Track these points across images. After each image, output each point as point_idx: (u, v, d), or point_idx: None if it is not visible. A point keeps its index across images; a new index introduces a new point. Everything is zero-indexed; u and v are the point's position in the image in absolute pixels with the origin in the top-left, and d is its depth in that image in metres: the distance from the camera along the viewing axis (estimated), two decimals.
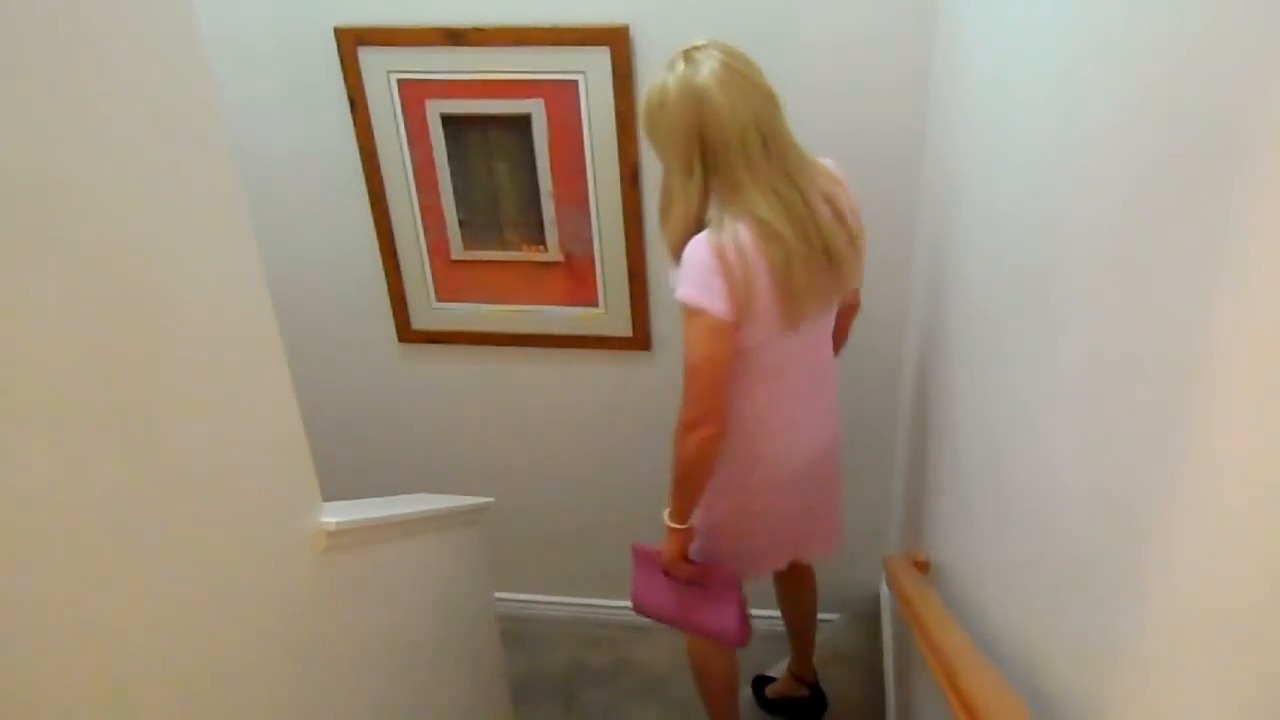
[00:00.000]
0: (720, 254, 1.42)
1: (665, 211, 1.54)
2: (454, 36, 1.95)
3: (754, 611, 2.55)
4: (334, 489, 1.31)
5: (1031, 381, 0.99)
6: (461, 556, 2.00)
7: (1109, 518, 0.75)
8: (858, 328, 2.19)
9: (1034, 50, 1.04)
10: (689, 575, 1.76)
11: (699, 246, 1.44)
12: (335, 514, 1.26)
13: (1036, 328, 0.98)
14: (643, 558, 1.86)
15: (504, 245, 2.24)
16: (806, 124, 1.94)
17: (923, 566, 1.66)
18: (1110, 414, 0.75)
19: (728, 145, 1.41)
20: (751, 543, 1.80)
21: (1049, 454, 0.92)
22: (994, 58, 1.27)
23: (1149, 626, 0.66)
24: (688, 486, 1.60)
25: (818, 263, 1.50)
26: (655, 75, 1.48)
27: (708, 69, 1.40)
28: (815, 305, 1.55)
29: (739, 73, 1.42)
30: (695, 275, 1.44)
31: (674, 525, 1.67)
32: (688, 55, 1.43)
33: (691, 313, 1.46)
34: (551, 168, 2.10)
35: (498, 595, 2.34)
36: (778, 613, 2.35)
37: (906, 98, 1.89)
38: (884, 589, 2.45)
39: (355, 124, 2.10)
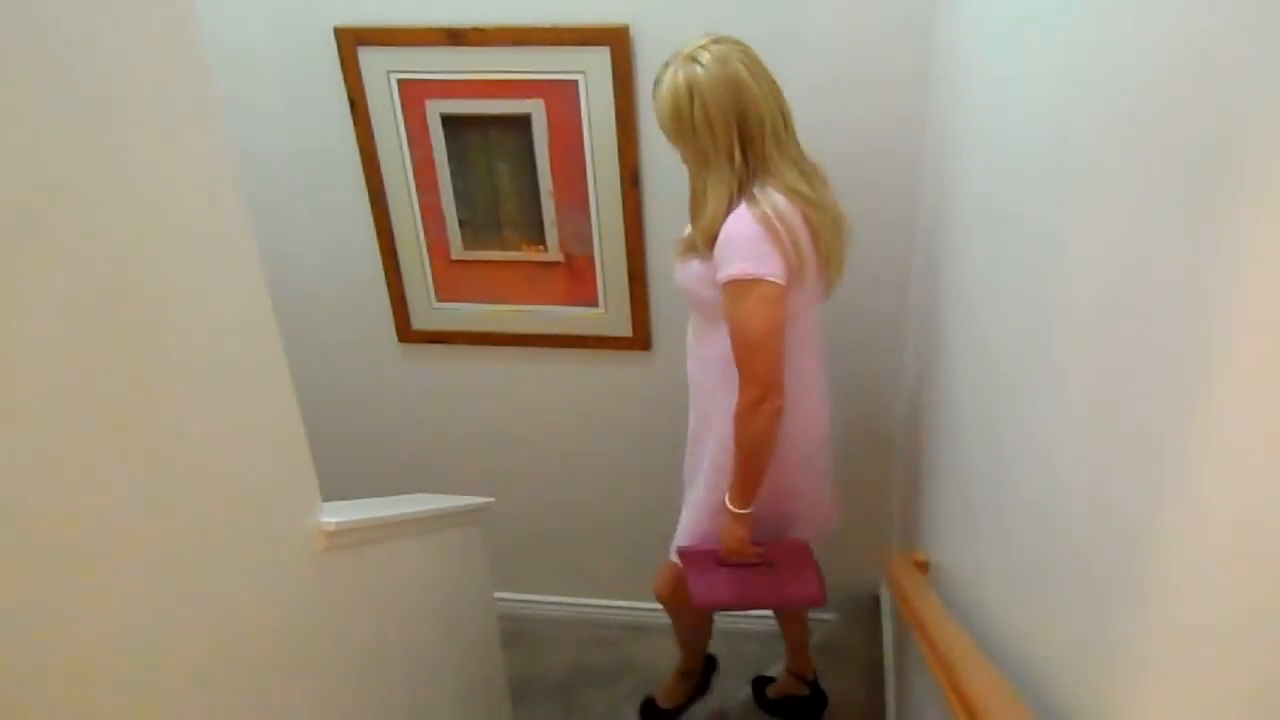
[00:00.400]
0: (766, 221, 1.48)
1: (699, 202, 1.57)
2: (454, 36, 1.95)
3: (747, 614, 2.57)
4: (334, 489, 1.30)
5: (1031, 382, 0.99)
6: (461, 556, 2.00)
7: (1109, 518, 0.74)
8: (858, 326, 2.19)
9: (1033, 43, 1.04)
10: (756, 556, 1.75)
11: (742, 221, 1.49)
12: (335, 514, 1.26)
13: (1037, 328, 0.98)
14: (693, 559, 1.84)
15: (504, 245, 2.24)
16: (807, 119, 1.94)
17: (923, 567, 1.66)
18: (1110, 415, 0.75)
19: (763, 127, 1.50)
20: (790, 517, 1.82)
21: (1049, 455, 0.92)
22: (994, 52, 1.27)
23: (1150, 627, 0.66)
24: (756, 466, 1.62)
25: (835, 229, 1.61)
26: (670, 74, 1.50)
27: (735, 59, 1.48)
28: (839, 271, 1.66)
29: (756, 60, 1.51)
30: (745, 248, 1.49)
31: (740, 510, 1.67)
32: (708, 49, 1.49)
33: (745, 286, 1.49)
34: (551, 168, 2.10)
35: (498, 595, 2.34)
36: (770, 612, 2.35)
37: (906, 93, 1.89)
38: (884, 589, 2.45)
39: (355, 124, 2.10)
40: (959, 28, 1.57)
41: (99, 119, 0.80)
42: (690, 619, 2.14)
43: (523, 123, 2.05)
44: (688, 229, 1.66)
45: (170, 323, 0.91)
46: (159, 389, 0.89)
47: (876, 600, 2.55)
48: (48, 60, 0.74)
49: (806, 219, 1.54)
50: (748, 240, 1.48)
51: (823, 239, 1.57)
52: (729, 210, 1.51)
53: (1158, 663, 0.66)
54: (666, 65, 1.52)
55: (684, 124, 1.51)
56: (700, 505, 1.82)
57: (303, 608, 1.21)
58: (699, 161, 1.54)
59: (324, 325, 2.43)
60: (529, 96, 2.01)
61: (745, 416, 1.56)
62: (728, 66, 1.47)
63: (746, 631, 2.65)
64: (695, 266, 1.59)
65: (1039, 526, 0.95)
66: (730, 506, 1.68)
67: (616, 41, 1.91)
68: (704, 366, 1.73)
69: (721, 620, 2.69)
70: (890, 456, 2.38)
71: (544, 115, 2.03)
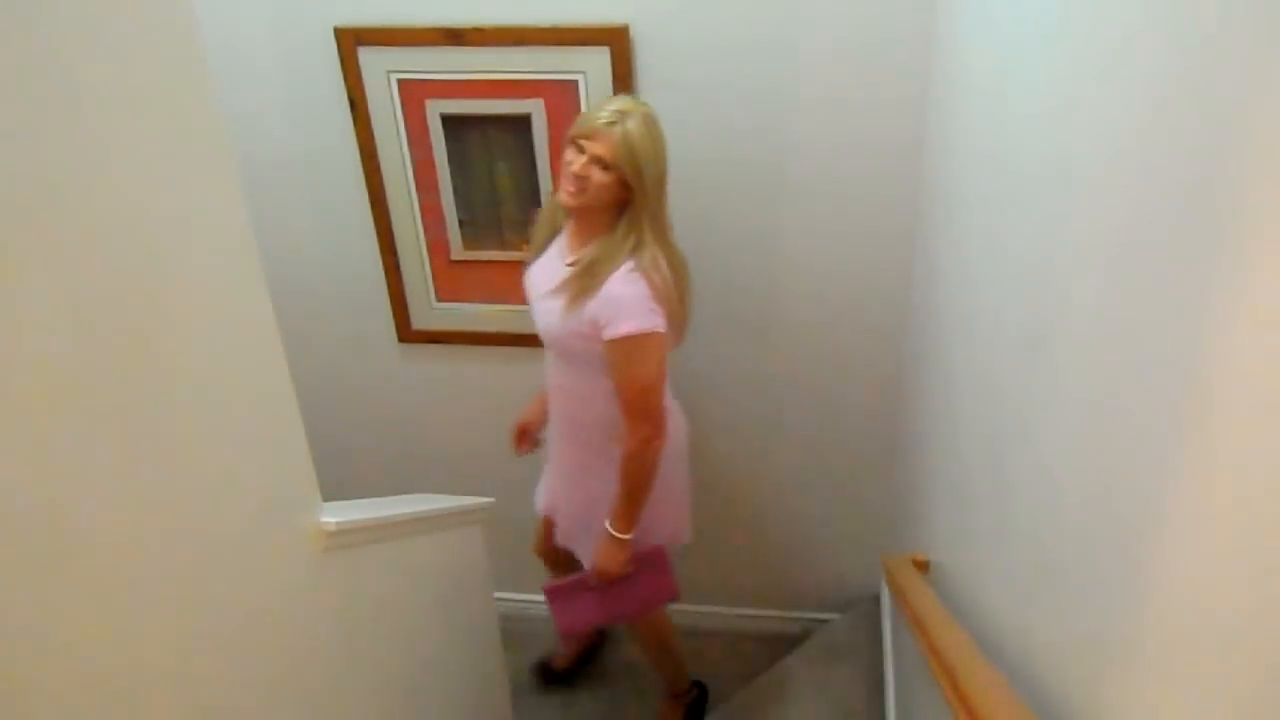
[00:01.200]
0: (650, 281, 1.60)
1: (601, 251, 1.63)
2: (454, 36, 1.95)
3: (743, 613, 2.56)
4: (334, 489, 1.31)
5: (1029, 383, 0.99)
6: (461, 556, 2.00)
7: (1107, 519, 0.75)
8: (859, 329, 2.19)
9: (1031, 63, 1.04)
10: (625, 570, 1.86)
11: (633, 284, 1.60)
12: (335, 514, 1.26)
13: (1035, 330, 0.98)
14: (559, 593, 1.96)
15: (504, 245, 2.24)
16: (806, 131, 1.94)
17: (922, 566, 1.66)
18: (1108, 416, 0.75)
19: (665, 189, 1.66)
20: (651, 523, 1.91)
21: (1047, 455, 0.92)
22: (992, 69, 1.27)
23: (1147, 626, 0.67)
24: (644, 495, 1.75)
25: (688, 280, 1.75)
26: (640, 115, 1.58)
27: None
28: (689, 318, 1.80)
29: None
30: (636, 307, 1.59)
31: (625, 536, 1.79)
32: (640, 106, 1.60)
33: (640, 340, 1.60)
34: (551, 168, 2.10)
35: (498, 595, 2.34)
36: (762, 610, 2.35)
37: (906, 103, 1.88)
38: (884, 589, 2.45)
39: (355, 124, 2.10)
40: (957, 45, 1.57)
41: (99, 120, 0.80)
42: (659, 622, 2.19)
43: (523, 123, 2.05)
44: (555, 271, 1.72)
45: (170, 323, 0.91)
46: (158, 390, 0.89)
47: (876, 600, 2.54)
48: (46, 61, 0.74)
49: (679, 276, 1.68)
50: (634, 301, 1.58)
51: (685, 293, 1.72)
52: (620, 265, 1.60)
53: (1156, 661, 0.66)
54: (617, 109, 1.58)
55: (656, 160, 1.59)
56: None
57: (303, 608, 1.21)
58: (642, 204, 1.60)
59: (324, 325, 2.43)
60: (529, 96, 2.01)
61: (639, 454, 1.68)
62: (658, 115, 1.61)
63: (744, 631, 2.65)
64: (566, 319, 1.66)
65: (1038, 526, 0.96)
66: (616, 533, 1.78)
67: (616, 41, 1.91)
68: (567, 400, 1.86)
69: (719, 621, 2.69)
70: (890, 457, 2.38)
71: (544, 115, 2.03)
